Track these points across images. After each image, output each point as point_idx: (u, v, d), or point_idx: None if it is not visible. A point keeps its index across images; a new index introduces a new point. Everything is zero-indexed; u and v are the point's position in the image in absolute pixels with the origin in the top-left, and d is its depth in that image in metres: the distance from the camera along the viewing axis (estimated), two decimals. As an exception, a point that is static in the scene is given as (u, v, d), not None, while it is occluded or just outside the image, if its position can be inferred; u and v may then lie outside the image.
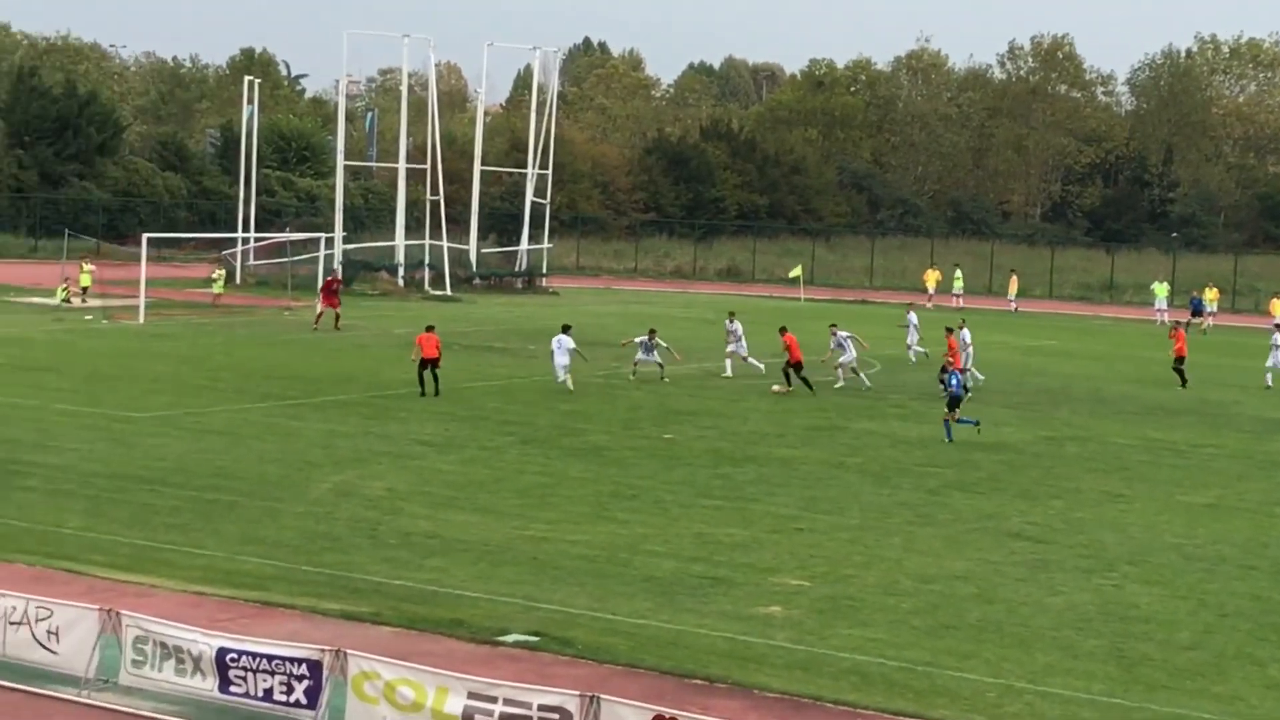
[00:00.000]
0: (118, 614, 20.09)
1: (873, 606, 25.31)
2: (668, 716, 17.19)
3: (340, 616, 23.68)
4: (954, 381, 42.54)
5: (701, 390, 50.37)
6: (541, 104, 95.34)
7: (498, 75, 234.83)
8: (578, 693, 17.68)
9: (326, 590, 25.08)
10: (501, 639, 22.83)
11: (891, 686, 21.43)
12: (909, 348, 60.22)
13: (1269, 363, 56.69)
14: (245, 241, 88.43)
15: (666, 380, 51.13)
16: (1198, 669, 22.84)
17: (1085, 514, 33.30)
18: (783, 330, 51.28)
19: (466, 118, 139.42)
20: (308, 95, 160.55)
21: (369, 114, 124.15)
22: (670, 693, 20.56)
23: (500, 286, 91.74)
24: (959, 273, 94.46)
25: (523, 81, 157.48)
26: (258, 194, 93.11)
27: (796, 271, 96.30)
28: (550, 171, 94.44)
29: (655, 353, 51.80)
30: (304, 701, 18.94)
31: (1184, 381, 55.16)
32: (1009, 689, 21.57)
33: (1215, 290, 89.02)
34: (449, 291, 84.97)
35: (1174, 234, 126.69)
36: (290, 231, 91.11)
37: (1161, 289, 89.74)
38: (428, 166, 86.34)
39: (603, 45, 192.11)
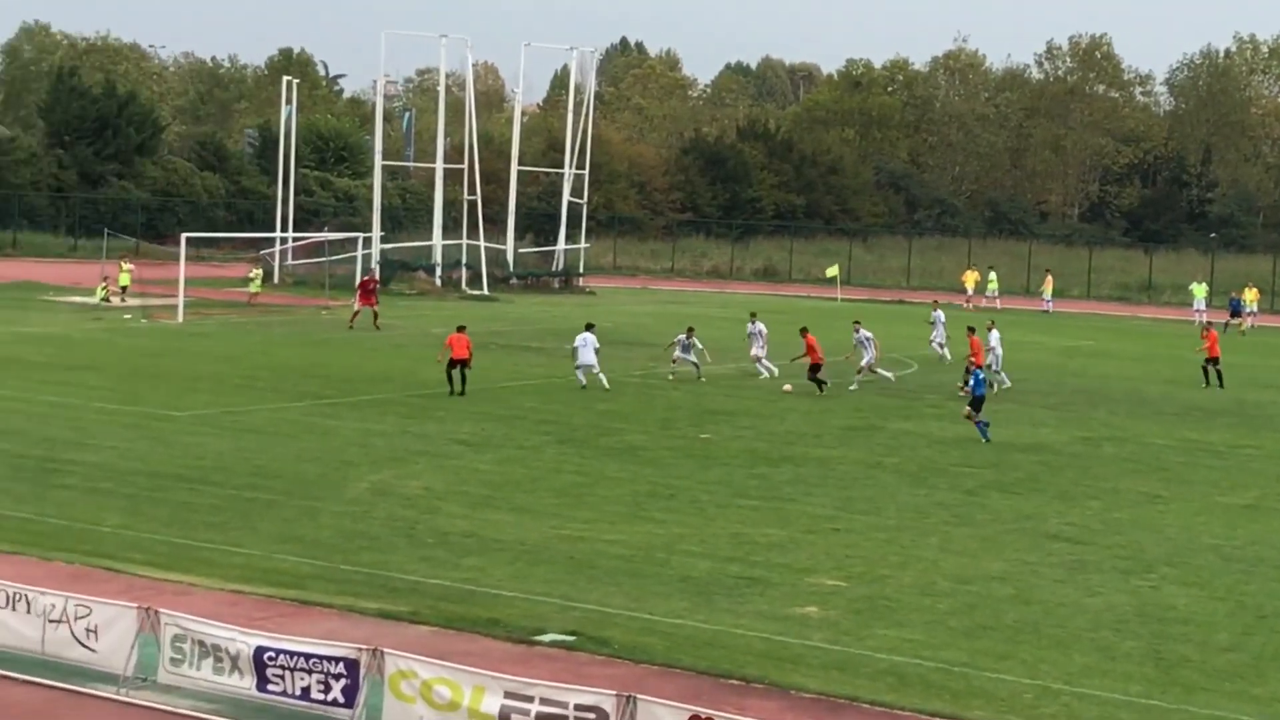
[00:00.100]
0: (156, 612, 20.17)
1: (909, 607, 25.28)
2: (704, 717, 17.20)
3: (377, 615, 23.74)
4: (974, 380, 42.46)
5: (738, 390, 50.35)
6: (579, 104, 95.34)
7: (535, 75, 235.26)
8: (614, 692, 17.70)
9: (364, 589, 25.15)
10: (538, 638, 22.86)
11: (928, 687, 21.40)
12: (931, 343, 59.92)
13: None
14: (283, 241, 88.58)
15: (703, 380, 51.12)
16: (1236, 671, 22.76)
17: (1123, 515, 33.20)
18: (804, 331, 51.07)
19: (504, 118, 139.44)
20: (345, 95, 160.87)
21: (406, 114, 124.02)
22: (706, 693, 20.56)
23: (537, 286, 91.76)
24: (993, 275, 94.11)
25: (560, 81, 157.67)
26: (296, 194, 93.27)
27: (834, 271, 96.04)
28: (587, 171, 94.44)
29: (692, 352, 51.77)
30: (341, 700, 18.99)
31: (1208, 381, 54.80)
32: (1046, 690, 21.53)
33: (1254, 290, 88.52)
34: (486, 291, 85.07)
35: (1212, 234, 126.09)
36: (328, 231, 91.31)
37: (1200, 289, 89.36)
38: (465, 166, 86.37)
39: (640, 45, 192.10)
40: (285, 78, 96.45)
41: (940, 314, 60.83)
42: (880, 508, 32.88)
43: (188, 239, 72.29)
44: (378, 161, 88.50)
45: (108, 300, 72.37)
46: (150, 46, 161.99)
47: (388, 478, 34.10)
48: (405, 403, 44.88)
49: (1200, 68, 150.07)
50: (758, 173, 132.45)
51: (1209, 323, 65.31)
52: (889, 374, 52.70)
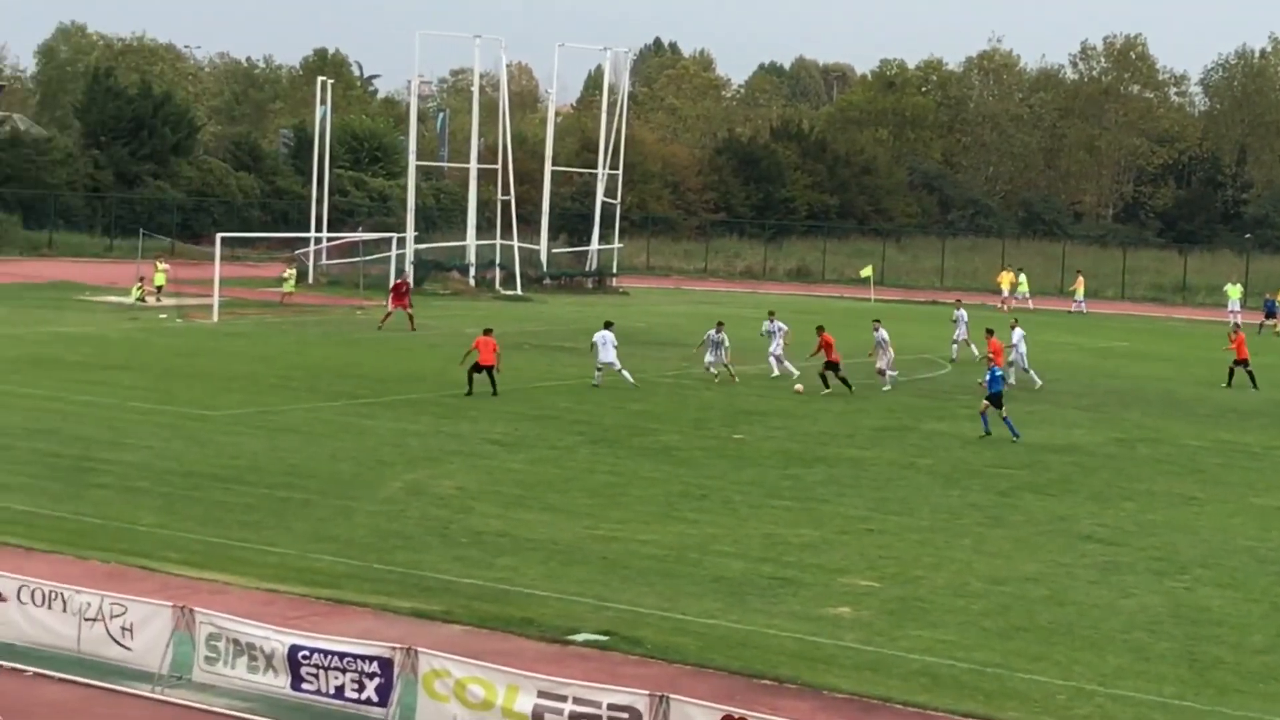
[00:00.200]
0: (191, 611, 20.26)
1: (942, 608, 25.26)
2: (736, 717, 17.22)
3: (411, 615, 23.81)
4: (990, 378, 42.47)
5: (771, 391, 50.33)
6: (612, 104, 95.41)
7: (569, 76, 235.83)
8: (647, 692, 17.72)
9: (398, 588, 25.22)
10: (571, 638, 22.91)
11: (961, 688, 21.39)
12: (954, 343, 59.80)
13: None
14: (318, 241, 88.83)
15: (736, 380, 51.08)
16: (1271, 672, 22.70)
17: (1157, 516, 33.12)
18: (820, 329, 50.89)
19: (538, 118, 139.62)
20: (380, 96, 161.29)
21: (440, 114, 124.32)
22: (739, 693, 20.58)
23: (571, 286, 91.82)
24: (1023, 277, 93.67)
25: (594, 82, 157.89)
26: (330, 194, 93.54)
27: (867, 271, 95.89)
28: (621, 172, 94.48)
29: (721, 350, 51.51)
30: (375, 699, 19.05)
31: (1230, 382, 54.63)
32: (1080, 691, 21.50)
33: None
34: (520, 291, 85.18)
35: (1247, 235, 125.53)
36: (362, 231, 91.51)
37: (1235, 290, 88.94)
38: (499, 166, 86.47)
39: (673, 46, 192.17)
40: (320, 78, 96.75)
41: (963, 313, 60.71)
42: (913, 509, 32.86)
43: (223, 239, 72.55)
44: (412, 162, 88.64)
45: (143, 300, 72.60)
46: (186, 47, 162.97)
47: (422, 477, 34.19)
48: (439, 402, 44.97)
49: (1235, 68, 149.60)
50: (791, 173, 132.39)
51: (1237, 324, 65.07)
52: (891, 376, 52.09)
